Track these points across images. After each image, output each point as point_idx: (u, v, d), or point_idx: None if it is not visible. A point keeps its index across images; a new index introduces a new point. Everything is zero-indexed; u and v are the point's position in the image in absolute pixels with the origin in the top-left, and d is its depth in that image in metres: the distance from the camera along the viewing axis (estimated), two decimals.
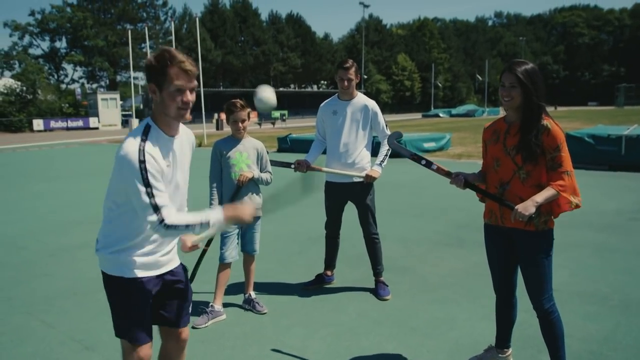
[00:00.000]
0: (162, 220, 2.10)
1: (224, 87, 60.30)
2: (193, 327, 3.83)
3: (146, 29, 29.91)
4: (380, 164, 4.38)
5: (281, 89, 64.93)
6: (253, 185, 4.00)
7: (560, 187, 2.69)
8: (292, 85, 71.03)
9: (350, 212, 4.61)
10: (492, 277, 3.13)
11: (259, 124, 38.85)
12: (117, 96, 45.88)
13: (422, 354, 3.41)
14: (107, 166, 2.72)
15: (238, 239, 4.08)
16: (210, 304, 4.01)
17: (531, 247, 2.82)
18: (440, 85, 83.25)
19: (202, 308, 4.03)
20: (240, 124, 3.87)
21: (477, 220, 7.21)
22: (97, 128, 41.25)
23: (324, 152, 4.56)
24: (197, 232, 2.22)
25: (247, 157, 3.96)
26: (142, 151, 2.08)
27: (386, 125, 4.48)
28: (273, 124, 40.07)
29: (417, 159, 3.15)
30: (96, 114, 42.80)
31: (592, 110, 71.99)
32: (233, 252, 4.00)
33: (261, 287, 4.60)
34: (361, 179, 4.35)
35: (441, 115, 55.67)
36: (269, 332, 3.79)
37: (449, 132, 20.75)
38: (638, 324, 3.80)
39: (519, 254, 2.90)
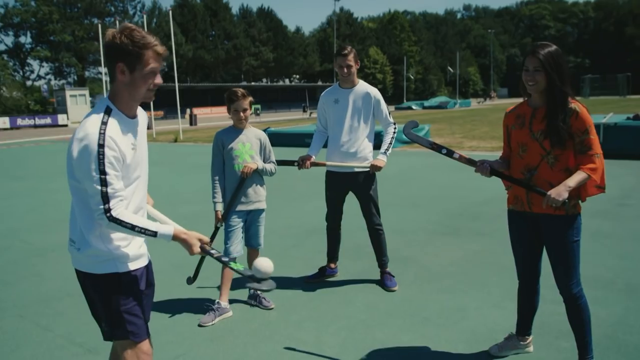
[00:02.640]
0: (108, 210, 1.96)
1: (195, 82, 59.51)
2: (199, 326, 3.70)
3: (117, 23, 29.02)
4: (385, 153, 4.30)
5: (253, 83, 64.42)
6: (257, 176, 3.87)
7: (590, 171, 2.64)
8: (264, 80, 70.51)
9: (346, 203, 4.52)
10: (516, 263, 3.07)
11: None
12: (86, 92, 44.71)
13: (441, 345, 3.34)
14: None
15: (242, 232, 3.94)
16: (217, 300, 3.87)
17: (560, 232, 2.77)
18: (412, 77, 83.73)
19: (207, 305, 3.89)
20: (242, 114, 3.74)
21: (469, 209, 7.27)
22: (66, 125, 40.11)
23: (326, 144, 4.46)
24: (135, 235, 2.06)
25: (250, 147, 3.83)
26: (102, 135, 1.94)
27: (389, 113, 4.40)
28: None
29: (436, 148, 3.06)
30: (65, 111, 41.62)
31: None
32: (238, 246, 3.87)
33: None
34: (366, 169, 4.26)
35: (414, 107, 55.93)
36: (279, 327, 3.67)
37: (426, 123, 20.84)
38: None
39: (546, 239, 2.84)
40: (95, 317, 2.28)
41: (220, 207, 3.78)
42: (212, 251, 2.22)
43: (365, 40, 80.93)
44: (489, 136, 19.05)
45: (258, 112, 42.39)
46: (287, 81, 74.52)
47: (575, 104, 2.69)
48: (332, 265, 4.66)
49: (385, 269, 4.48)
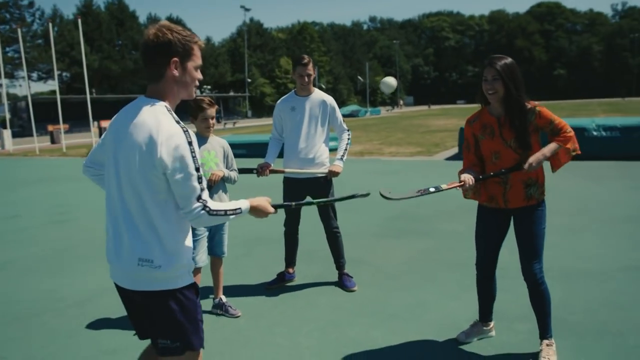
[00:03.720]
0: (205, 206, 1.94)
1: (101, 94, 56.87)
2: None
3: (19, 30, 27.05)
4: (342, 158, 4.45)
5: None
6: (222, 184, 3.88)
7: (562, 141, 2.97)
8: None
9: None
10: (478, 255, 3.31)
11: None
12: None
13: (411, 337, 3.52)
14: None
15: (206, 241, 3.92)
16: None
17: (532, 219, 3.06)
18: (323, 87, 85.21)
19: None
20: (210, 121, 3.74)
21: (407, 212, 7.61)
22: None
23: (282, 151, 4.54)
24: (230, 219, 2.06)
25: (214, 155, 3.84)
26: (187, 132, 1.93)
27: (343, 120, 4.56)
28: None
29: (424, 192, 3.13)
30: None
31: (462, 107, 77.91)
32: (204, 255, 3.84)
33: (223, 291, 4.45)
34: (324, 175, 4.38)
35: None
36: (252, 334, 3.69)
37: None
38: (580, 290, 4.23)
39: (519, 229, 3.11)
40: (153, 336, 2.08)
41: None
42: (285, 203, 2.48)
43: (276, 50, 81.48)
44: (405, 142, 19.89)
45: None
46: (197, 92, 73.13)
47: (533, 106, 2.99)
48: (291, 270, 4.73)
49: (343, 270, 4.62)
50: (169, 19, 66.72)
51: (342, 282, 4.54)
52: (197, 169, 1.92)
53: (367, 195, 2.59)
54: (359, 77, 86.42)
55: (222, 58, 72.57)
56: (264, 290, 4.55)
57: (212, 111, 3.74)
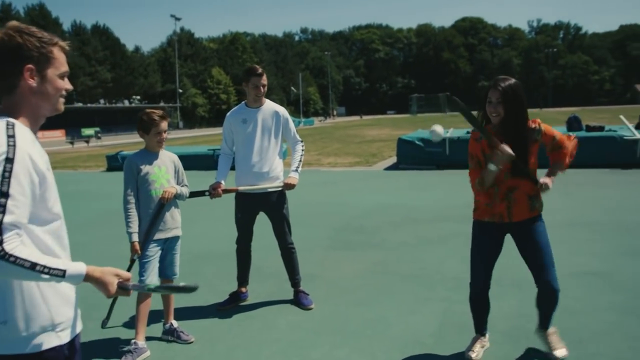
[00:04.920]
0: (1, 248, 1.45)
1: None
2: None
3: None
4: (297, 170, 4.31)
5: (90, 104, 60.15)
6: (174, 201, 3.64)
7: (563, 159, 3.14)
8: (102, 101, 66.17)
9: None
10: (476, 270, 3.29)
11: (71, 143, 35.44)
12: None
13: (379, 356, 3.41)
14: None
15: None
16: (133, 340, 3.52)
17: (539, 229, 3.14)
18: None
19: (122, 347, 3.52)
20: (163, 135, 3.50)
21: (351, 223, 7.55)
22: None
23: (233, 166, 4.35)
24: (40, 279, 1.53)
25: (165, 171, 3.59)
26: (13, 147, 1.52)
27: (296, 131, 4.43)
28: (87, 142, 36.85)
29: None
30: None
31: (393, 117, 79.91)
32: (154, 278, 3.58)
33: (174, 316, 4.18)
34: (279, 188, 4.23)
35: None
36: None
37: None
38: (533, 298, 4.28)
39: (526, 242, 3.16)
40: None
41: (136, 238, 3.47)
42: (131, 284, 1.75)
43: (207, 60, 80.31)
44: (343, 152, 20.02)
45: (99, 135, 39.66)
46: (126, 102, 70.87)
47: (536, 123, 3.06)
48: (244, 290, 4.52)
49: (299, 287, 4.46)
50: (96, 26, 64.34)
51: (299, 300, 4.38)
52: (5, 194, 1.47)
53: (195, 289, 1.82)
54: (292, 88, 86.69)
55: (151, 68, 70.58)
56: (216, 312, 4.31)
57: (164, 125, 3.51)
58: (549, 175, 3.13)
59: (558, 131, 3.18)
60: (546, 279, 3.13)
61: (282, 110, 4.32)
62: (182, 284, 1.87)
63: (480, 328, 3.42)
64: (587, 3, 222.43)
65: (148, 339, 3.73)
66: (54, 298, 1.64)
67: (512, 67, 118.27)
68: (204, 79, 77.48)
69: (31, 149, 1.58)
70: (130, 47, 75.12)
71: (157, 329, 3.89)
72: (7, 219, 1.47)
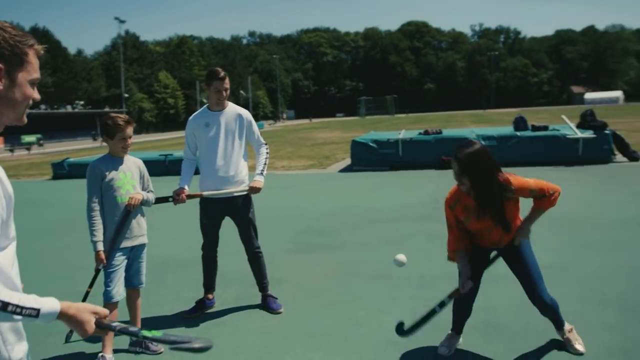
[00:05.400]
0: None
1: None
2: None
3: None
4: (262, 173, 4.27)
5: (30, 110, 57.58)
6: (140, 208, 3.54)
7: (545, 206, 3.16)
8: (43, 106, 63.57)
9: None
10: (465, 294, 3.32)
11: (11, 150, 33.89)
12: None
13: (352, 357, 3.43)
14: None
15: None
16: (100, 354, 3.40)
17: (522, 247, 3.24)
18: (204, 101, 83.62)
19: None
20: (129, 141, 3.40)
21: (311, 226, 7.56)
22: None
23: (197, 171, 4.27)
24: (7, 321, 1.35)
25: (131, 177, 3.49)
26: None
27: (260, 134, 4.40)
28: (28, 149, 35.33)
29: (433, 313, 3.24)
30: None
31: (343, 120, 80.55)
32: (121, 288, 3.47)
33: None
34: (245, 192, 4.18)
35: None
36: None
37: None
38: (500, 292, 4.41)
39: (513, 261, 3.27)
40: None
41: (101, 247, 3.35)
42: (114, 324, 1.53)
43: (154, 64, 78.67)
44: (296, 155, 20.01)
45: (41, 142, 38.14)
46: (69, 108, 68.44)
47: (506, 181, 3.02)
48: (210, 296, 4.44)
49: (267, 292, 4.43)
50: (34, 29, 61.85)
51: (268, 304, 4.35)
52: None
53: (208, 348, 1.60)
54: (242, 92, 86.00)
55: (95, 72, 68.50)
56: (183, 320, 4.22)
57: (130, 130, 3.41)
58: (525, 223, 3.21)
59: (531, 180, 3.11)
60: (538, 295, 3.23)
61: (246, 113, 4.28)
62: (195, 344, 1.54)
63: (457, 327, 3.49)
64: (526, 9, 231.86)
65: (115, 351, 3.61)
66: (11, 336, 1.41)
67: (456, 70, 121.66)
68: (150, 83, 75.81)
69: None
70: (72, 50, 72.39)
71: (124, 340, 3.77)
72: None
